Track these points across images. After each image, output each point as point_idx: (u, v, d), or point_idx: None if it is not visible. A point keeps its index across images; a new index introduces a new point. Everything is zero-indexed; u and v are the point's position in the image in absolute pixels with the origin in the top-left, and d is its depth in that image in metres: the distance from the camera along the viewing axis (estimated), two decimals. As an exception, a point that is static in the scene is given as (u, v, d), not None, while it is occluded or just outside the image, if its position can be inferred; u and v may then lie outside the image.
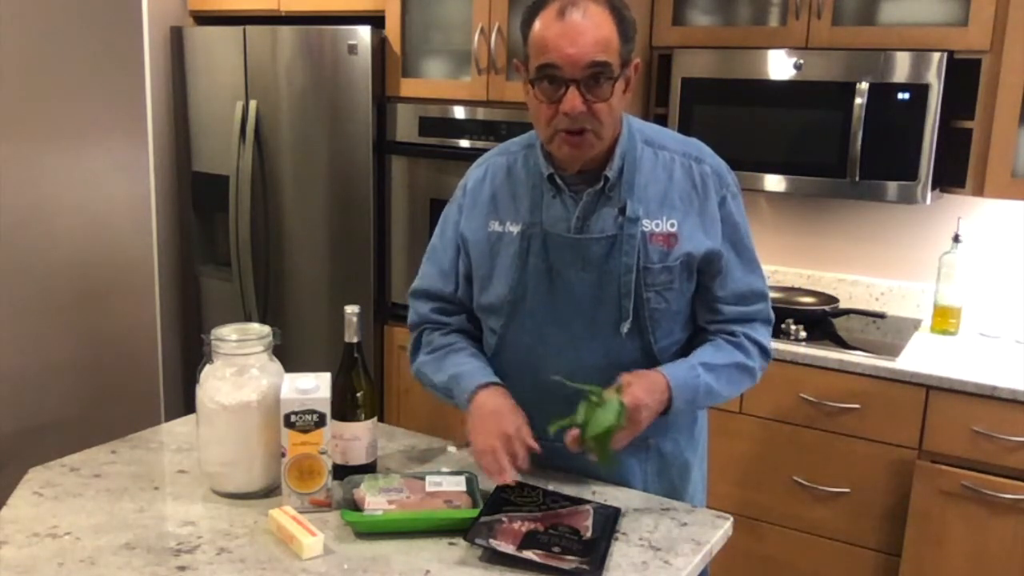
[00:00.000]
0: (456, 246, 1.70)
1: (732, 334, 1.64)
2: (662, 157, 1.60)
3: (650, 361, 1.60)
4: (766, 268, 1.72)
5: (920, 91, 2.50)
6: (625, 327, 1.57)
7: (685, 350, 1.65)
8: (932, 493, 2.40)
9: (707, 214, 1.59)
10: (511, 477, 1.49)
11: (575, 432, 1.47)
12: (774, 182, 2.74)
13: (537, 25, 1.48)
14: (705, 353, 1.62)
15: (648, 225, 1.56)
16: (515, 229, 1.62)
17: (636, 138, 1.60)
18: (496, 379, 1.63)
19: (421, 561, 1.37)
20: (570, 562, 1.34)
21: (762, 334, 1.67)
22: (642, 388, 1.51)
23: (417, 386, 3.21)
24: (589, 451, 1.47)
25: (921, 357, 2.54)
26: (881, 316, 2.88)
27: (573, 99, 1.46)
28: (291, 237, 3.38)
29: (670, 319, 1.61)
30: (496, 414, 1.55)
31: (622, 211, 1.56)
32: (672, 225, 1.57)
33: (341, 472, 1.58)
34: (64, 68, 2.31)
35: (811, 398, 2.56)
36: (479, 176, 1.70)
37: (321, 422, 1.48)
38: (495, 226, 1.64)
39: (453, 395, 1.64)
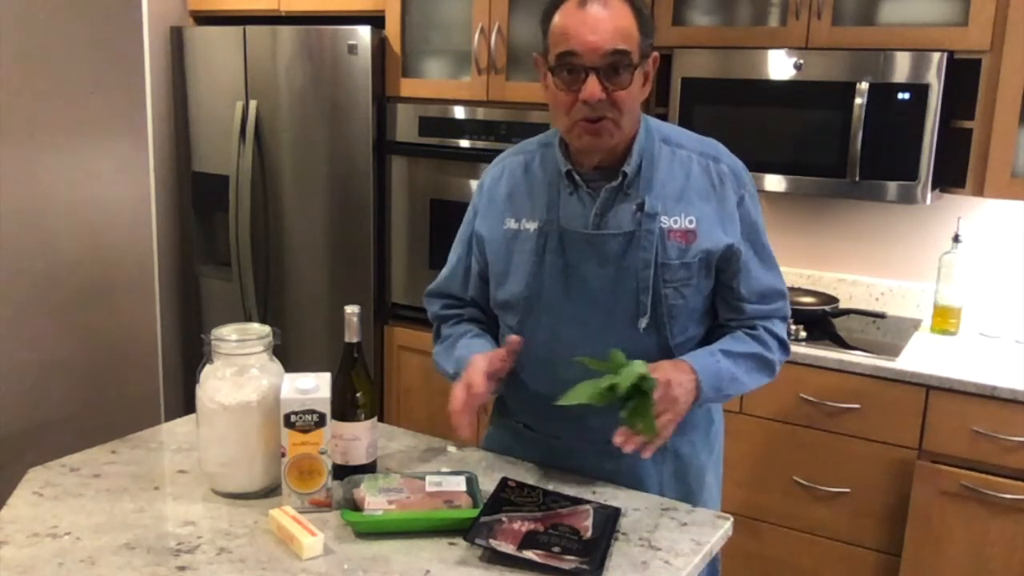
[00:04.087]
0: (468, 247, 1.73)
1: (752, 327, 1.65)
2: (679, 155, 1.61)
3: (666, 357, 1.59)
4: (767, 268, 1.72)
5: (920, 91, 2.50)
6: (643, 323, 1.57)
7: (701, 346, 1.65)
8: (932, 493, 2.40)
9: (725, 212, 1.60)
10: (464, 433, 1.54)
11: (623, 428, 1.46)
12: (774, 182, 2.74)
13: (557, 17, 1.50)
14: (723, 342, 1.63)
15: (666, 221, 1.57)
16: (532, 226, 1.62)
17: (654, 136, 1.61)
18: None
19: (421, 561, 1.37)
20: (570, 562, 1.34)
21: (780, 328, 1.68)
22: (668, 367, 1.52)
23: (417, 386, 3.25)
24: (633, 420, 1.44)
25: (921, 357, 2.54)
26: (881, 316, 2.88)
27: (592, 86, 1.47)
28: (291, 237, 3.38)
29: (687, 315, 1.61)
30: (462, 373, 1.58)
31: (640, 207, 1.56)
32: (691, 222, 1.57)
33: (341, 472, 1.58)
34: (64, 68, 2.30)
35: (811, 398, 2.56)
36: (496, 175, 1.72)
37: (321, 422, 1.48)
38: (511, 223, 1.65)
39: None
